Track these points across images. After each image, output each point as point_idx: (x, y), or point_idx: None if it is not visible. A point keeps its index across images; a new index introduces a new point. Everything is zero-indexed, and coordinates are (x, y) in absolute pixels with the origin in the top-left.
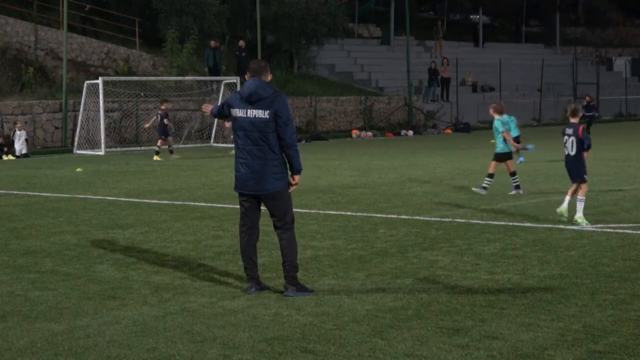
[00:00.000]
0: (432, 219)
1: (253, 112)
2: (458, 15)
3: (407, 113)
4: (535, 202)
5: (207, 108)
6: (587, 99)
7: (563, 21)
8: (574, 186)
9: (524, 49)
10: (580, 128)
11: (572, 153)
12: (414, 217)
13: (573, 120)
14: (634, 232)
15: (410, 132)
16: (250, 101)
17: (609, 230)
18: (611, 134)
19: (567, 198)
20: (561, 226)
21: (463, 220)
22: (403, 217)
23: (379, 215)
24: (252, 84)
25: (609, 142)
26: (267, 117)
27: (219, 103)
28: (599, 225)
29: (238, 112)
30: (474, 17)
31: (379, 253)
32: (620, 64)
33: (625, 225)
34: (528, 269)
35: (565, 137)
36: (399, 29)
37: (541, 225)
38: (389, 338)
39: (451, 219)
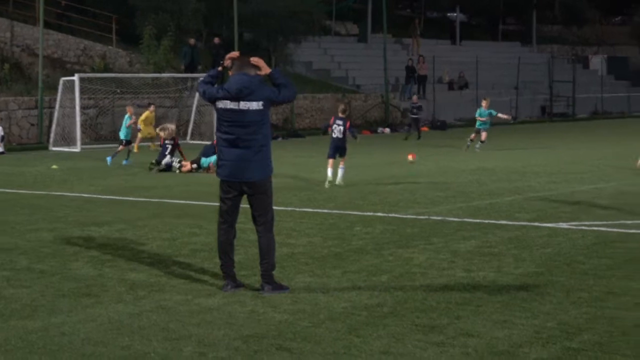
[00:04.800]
0: (409, 216)
1: (247, 105)
2: (435, 13)
3: (383, 110)
4: (511, 199)
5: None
6: (414, 99)
7: (540, 19)
8: (331, 161)
9: (501, 47)
10: (348, 122)
11: (340, 136)
12: (391, 215)
13: (342, 115)
14: (609, 229)
15: (387, 130)
16: (240, 96)
17: (584, 227)
18: (587, 132)
19: (330, 169)
20: (537, 224)
21: (439, 218)
22: (379, 214)
23: (355, 212)
24: (240, 79)
25: (585, 140)
26: (262, 107)
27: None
28: (574, 223)
29: (229, 104)
30: (451, 15)
31: (355, 251)
32: (596, 62)
33: (600, 222)
34: (503, 267)
35: (335, 125)
36: (376, 26)
37: (517, 223)
38: (364, 335)
39: (427, 217)
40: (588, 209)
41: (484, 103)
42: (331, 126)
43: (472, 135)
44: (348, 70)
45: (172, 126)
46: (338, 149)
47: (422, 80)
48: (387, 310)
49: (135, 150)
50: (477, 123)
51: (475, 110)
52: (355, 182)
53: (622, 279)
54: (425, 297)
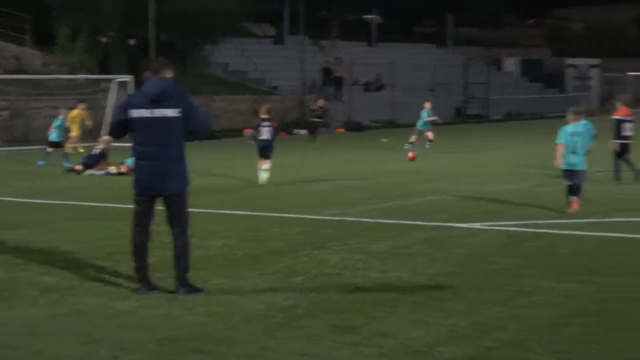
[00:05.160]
0: (324, 217)
1: (162, 112)
2: (352, 14)
3: (300, 112)
4: (426, 200)
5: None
6: (318, 104)
7: (456, 22)
8: (262, 160)
9: (417, 48)
10: (273, 122)
11: (268, 137)
12: (307, 216)
13: (267, 116)
14: (521, 229)
15: (304, 131)
16: (157, 100)
17: (497, 228)
18: (500, 133)
19: (261, 169)
20: (451, 224)
21: (354, 219)
22: (296, 216)
23: (272, 214)
24: (158, 83)
25: (499, 141)
26: (178, 114)
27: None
28: (487, 223)
29: (143, 113)
30: (367, 17)
31: (271, 252)
32: (510, 64)
33: (512, 222)
34: (418, 267)
35: (261, 127)
36: (293, 28)
37: (431, 224)
38: (280, 337)
39: (343, 218)
40: (501, 209)
41: (427, 105)
42: (258, 127)
43: (413, 138)
44: (265, 72)
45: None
46: (266, 149)
47: (338, 82)
48: (302, 311)
49: (69, 150)
50: (420, 124)
51: (391, 112)
52: (272, 183)
53: (534, 278)
54: (340, 298)
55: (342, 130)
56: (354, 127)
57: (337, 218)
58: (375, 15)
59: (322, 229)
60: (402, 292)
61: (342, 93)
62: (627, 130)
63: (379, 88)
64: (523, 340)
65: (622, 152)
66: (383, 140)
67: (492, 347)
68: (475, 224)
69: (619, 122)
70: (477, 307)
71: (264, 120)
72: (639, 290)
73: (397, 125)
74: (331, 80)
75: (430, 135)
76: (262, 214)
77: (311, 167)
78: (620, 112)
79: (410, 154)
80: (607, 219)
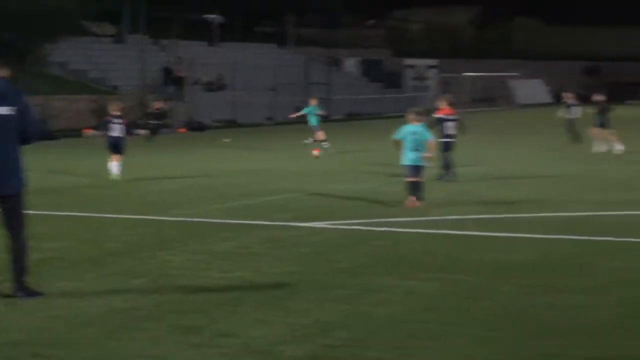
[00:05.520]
0: (167, 218)
1: None
2: (193, 14)
3: (141, 112)
4: (269, 200)
5: None
6: (156, 105)
7: (297, 22)
8: (114, 157)
9: (258, 48)
10: (124, 120)
11: (119, 134)
12: (148, 217)
13: (117, 113)
14: (364, 228)
15: (145, 131)
16: None
17: (340, 227)
18: (343, 132)
19: (115, 163)
20: (294, 223)
21: (197, 220)
22: (138, 216)
23: (112, 215)
24: None
25: (340, 141)
26: (13, 112)
27: None
28: (330, 222)
29: None
30: (208, 16)
31: (111, 254)
32: (350, 64)
33: (356, 221)
34: (262, 267)
35: (111, 124)
36: (133, 27)
37: (275, 223)
38: (121, 339)
39: (185, 218)
40: (345, 208)
41: (312, 101)
42: (108, 125)
43: (316, 136)
44: (105, 71)
45: None
46: (117, 146)
47: (179, 81)
48: (144, 313)
49: None
50: (313, 121)
51: (233, 112)
52: (112, 184)
53: (376, 276)
54: (183, 298)
55: (183, 130)
56: (196, 127)
57: (180, 219)
58: (216, 15)
59: (165, 230)
60: (245, 292)
61: (183, 93)
62: (450, 129)
63: (221, 88)
64: (365, 338)
65: (445, 150)
66: (225, 140)
67: (334, 345)
68: (319, 223)
69: (442, 121)
70: (321, 306)
71: (114, 117)
72: (477, 287)
73: (239, 125)
74: (172, 80)
75: (321, 135)
76: (103, 215)
77: (153, 167)
78: (443, 110)
79: (315, 152)
80: (448, 217)
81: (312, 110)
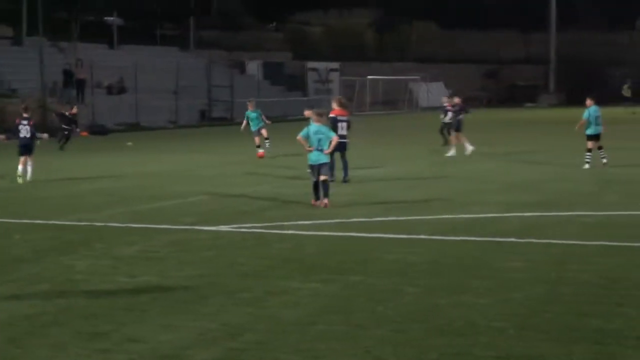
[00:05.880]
0: (70, 222)
1: None
2: (92, 16)
3: (41, 115)
4: (174, 204)
5: None
6: (73, 110)
7: (198, 24)
8: (22, 159)
9: (159, 51)
10: (31, 121)
11: (27, 135)
12: (51, 222)
13: (26, 115)
14: (268, 231)
15: (45, 135)
16: None
17: (244, 230)
18: (245, 135)
19: (21, 167)
20: (199, 227)
21: (101, 224)
22: (39, 221)
23: (13, 220)
24: None
25: (242, 145)
26: None
27: None
28: (234, 225)
29: None
30: (108, 18)
31: (13, 259)
32: (253, 67)
33: (259, 224)
34: (167, 271)
35: (20, 125)
36: (31, 29)
37: (180, 227)
38: (25, 346)
39: (89, 223)
40: (248, 211)
41: (250, 105)
42: (18, 127)
43: (258, 140)
44: (3, 74)
45: None
46: (26, 148)
47: (80, 84)
48: (48, 318)
49: None
50: (254, 125)
51: (135, 115)
52: (12, 188)
53: (281, 279)
54: (88, 304)
55: (85, 133)
56: (98, 130)
57: (83, 223)
58: (116, 17)
59: (68, 235)
60: (151, 296)
61: (84, 96)
62: (342, 129)
63: (122, 91)
64: (271, 340)
65: (338, 150)
66: (128, 143)
67: (241, 348)
68: (222, 226)
69: (334, 121)
70: (227, 309)
71: (23, 119)
72: (382, 288)
73: (142, 128)
74: (73, 82)
75: (264, 132)
76: (3, 220)
77: (55, 171)
78: (335, 111)
79: (260, 152)
80: (351, 219)
81: (257, 115)
